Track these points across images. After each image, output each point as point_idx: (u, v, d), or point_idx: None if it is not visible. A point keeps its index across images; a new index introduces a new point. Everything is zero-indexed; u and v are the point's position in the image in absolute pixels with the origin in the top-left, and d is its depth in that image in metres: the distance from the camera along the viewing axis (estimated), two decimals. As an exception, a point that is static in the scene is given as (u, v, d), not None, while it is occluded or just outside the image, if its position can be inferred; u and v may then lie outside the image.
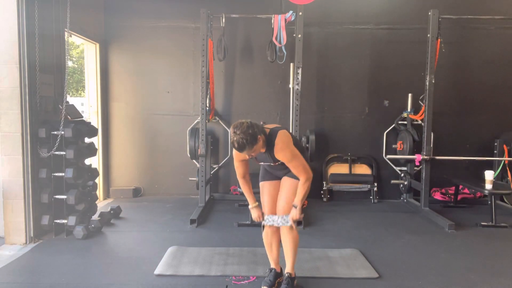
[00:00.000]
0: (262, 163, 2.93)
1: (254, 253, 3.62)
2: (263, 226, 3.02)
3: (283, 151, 2.68)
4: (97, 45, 5.57)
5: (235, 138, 2.56)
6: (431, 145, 5.08)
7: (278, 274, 3.04)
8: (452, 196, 5.58)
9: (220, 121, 5.83)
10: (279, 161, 2.77)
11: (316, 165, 5.78)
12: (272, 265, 3.05)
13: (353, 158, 5.81)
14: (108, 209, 4.70)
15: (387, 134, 5.80)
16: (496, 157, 5.57)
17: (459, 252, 3.78)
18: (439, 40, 4.95)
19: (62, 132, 3.95)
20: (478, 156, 5.58)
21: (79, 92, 13.55)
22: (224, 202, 5.59)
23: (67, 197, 4.00)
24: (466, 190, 5.67)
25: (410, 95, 5.59)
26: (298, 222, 4.38)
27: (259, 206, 2.99)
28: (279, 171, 2.94)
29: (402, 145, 5.59)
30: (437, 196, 5.77)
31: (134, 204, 5.46)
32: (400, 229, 4.48)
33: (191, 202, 5.19)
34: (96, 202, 4.58)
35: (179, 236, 4.15)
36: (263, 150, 2.75)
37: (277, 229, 2.99)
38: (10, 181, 3.83)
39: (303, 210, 5.39)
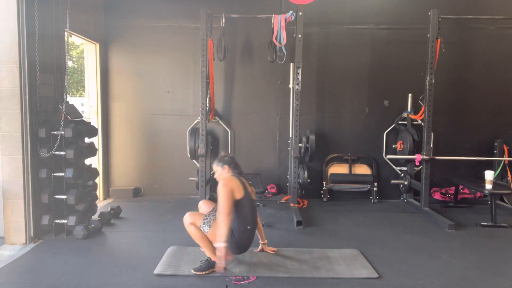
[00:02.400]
0: None
1: (254, 253, 3.62)
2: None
3: (219, 187, 3.18)
4: (97, 45, 5.57)
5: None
6: (431, 145, 5.08)
7: None
8: (452, 196, 5.58)
9: (220, 121, 5.83)
10: None
11: (316, 165, 5.79)
12: None
13: (353, 158, 5.82)
14: (108, 209, 4.71)
15: (387, 134, 5.80)
16: (496, 157, 5.58)
17: (459, 252, 3.78)
18: (439, 40, 4.96)
19: (62, 132, 3.95)
20: (478, 156, 5.59)
21: (79, 92, 13.56)
22: (224, 202, 5.58)
23: (67, 197, 4.00)
24: (466, 190, 5.67)
25: (410, 95, 5.60)
26: (297, 222, 4.43)
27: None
28: None
29: (402, 145, 5.59)
30: (437, 196, 5.77)
31: (134, 204, 5.46)
32: (400, 229, 4.49)
33: (191, 202, 5.18)
34: (96, 202, 4.58)
35: (179, 236, 4.14)
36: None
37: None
38: (10, 181, 3.83)
39: (302, 209, 5.37)
